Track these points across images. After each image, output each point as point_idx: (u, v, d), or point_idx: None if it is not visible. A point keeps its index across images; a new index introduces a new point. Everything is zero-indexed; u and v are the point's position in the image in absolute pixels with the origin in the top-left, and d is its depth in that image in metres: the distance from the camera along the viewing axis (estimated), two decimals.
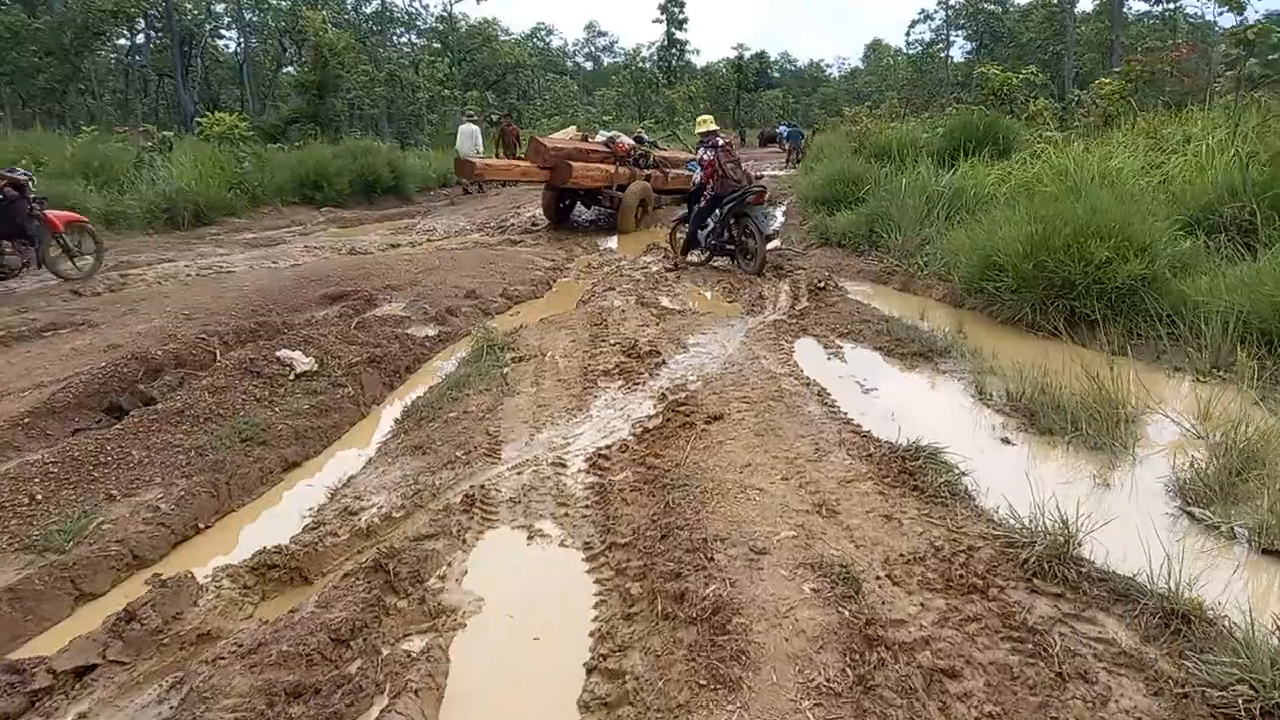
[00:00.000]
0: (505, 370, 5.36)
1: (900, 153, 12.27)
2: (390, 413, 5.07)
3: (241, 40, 52.61)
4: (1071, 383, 4.61)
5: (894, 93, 43.97)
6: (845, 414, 4.45)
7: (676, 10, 57.25)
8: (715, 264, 9.61)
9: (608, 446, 4.11)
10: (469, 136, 18.72)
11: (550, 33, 76.62)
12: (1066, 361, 4.98)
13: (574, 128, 14.39)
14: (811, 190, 12.98)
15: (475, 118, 22.78)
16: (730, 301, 7.87)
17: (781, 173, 27.24)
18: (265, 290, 7.34)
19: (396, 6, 54.57)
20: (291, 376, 5.02)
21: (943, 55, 65.15)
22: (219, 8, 52.11)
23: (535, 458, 4.02)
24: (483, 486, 3.72)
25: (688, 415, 4.38)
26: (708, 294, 8.30)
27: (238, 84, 51.33)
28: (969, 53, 65.99)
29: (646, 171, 14.39)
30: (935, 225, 8.74)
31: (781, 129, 42.67)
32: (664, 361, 5.44)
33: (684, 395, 4.71)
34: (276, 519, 3.73)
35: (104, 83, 46.99)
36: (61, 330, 6.24)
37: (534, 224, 14.24)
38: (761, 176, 20.18)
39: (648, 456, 3.91)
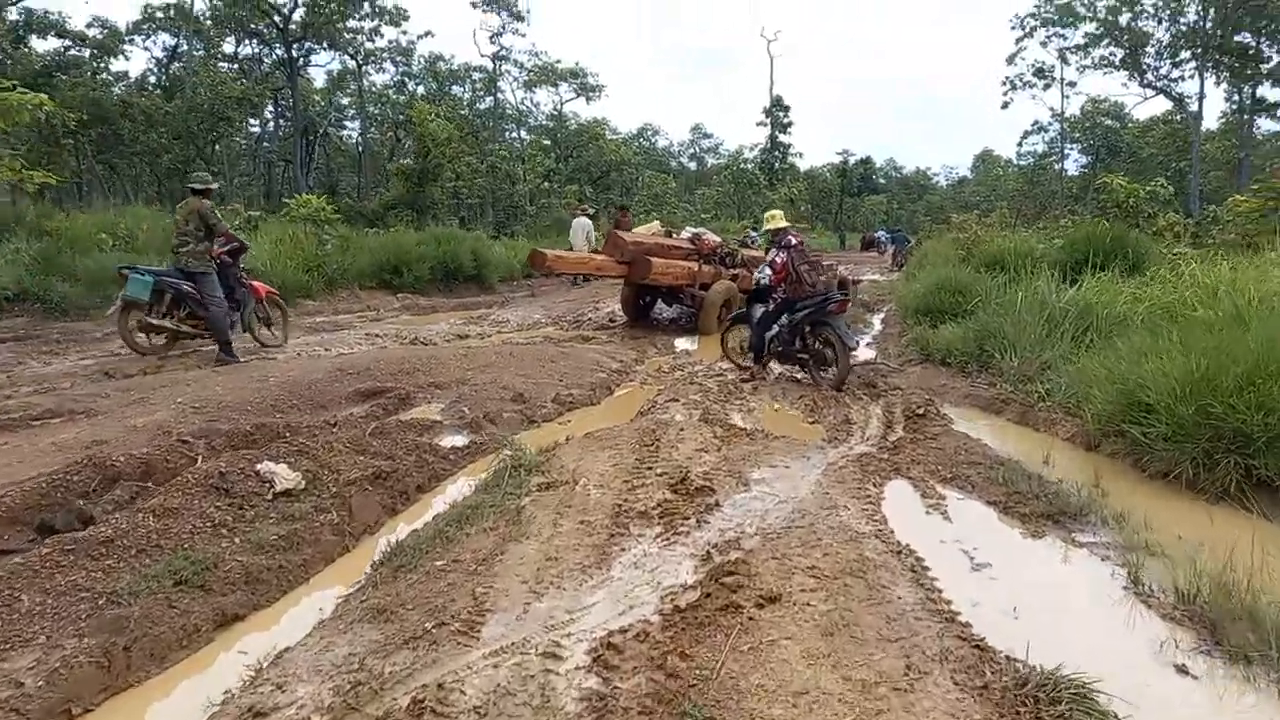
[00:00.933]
0: (525, 502, 4.42)
1: (1015, 263, 11.11)
2: (383, 546, 4.18)
3: (360, 131, 55.37)
4: (1267, 577, 3.37)
5: (1004, 202, 42.71)
6: (949, 604, 3.30)
7: (781, 114, 57.59)
8: (797, 376, 8.57)
9: (622, 631, 3.08)
10: (581, 230, 18.45)
11: (656, 133, 78.32)
12: (1252, 541, 3.74)
13: (657, 223, 13.78)
14: (913, 299, 11.86)
15: (590, 211, 22.66)
16: (811, 423, 6.79)
17: (881, 278, 26.20)
18: (293, 383, 6.67)
19: (509, 104, 56.72)
20: (269, 496, 4.20)
21: (1056, 167, 63.51)
22: (344, 100, 55.07)
23: (524, 640, 3.02)
24: (442, 685, 2.73)
25: (734, 590, 3.31)
26: (786, 412, 7.26)
27: (355, 171, 53.81)
28: (1084, 166, 64.01)
29: (733, 270, 13.58)
30: (1058, 347, 7.52)
31: (880, 234, 42.27)
32: (718, 503, 4.40)
33: (734, 556, 3.66)
34: (171, 710, 2.82)
35: (235, 166, 49.82)
36: (55, 419, 5.64)
37: (611, 320, 13.52)
38: (860, 282, 19.26)
39: (671, 655, 2.87)
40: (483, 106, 55.03)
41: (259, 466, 4.33)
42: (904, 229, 41.90)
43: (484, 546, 3.81)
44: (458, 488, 5.04)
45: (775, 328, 8.46)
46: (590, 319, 13.65)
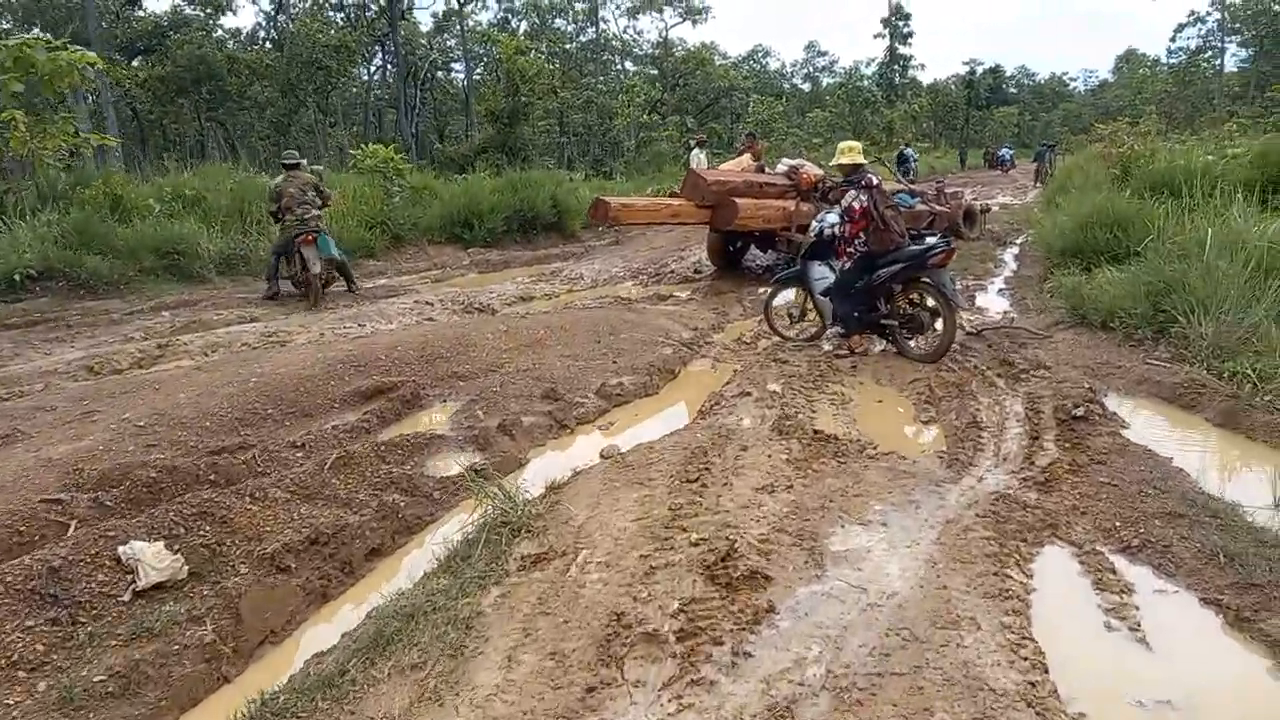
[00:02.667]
0: (487, 600, 3.04)
1: (1190, 185, 8.82)
2: (288, 660, 2.92)
3: (465, 73, 54.44)
4: None
5: (1150, 106, 38.22)
6: None
7: (900, 24, 53.15)
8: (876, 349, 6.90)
9: None
10: (696, 162, 16.79)
11: (767, 55, 74.28)
12: None
13: (748, 156, 11.96)
14: (1058, 235, 9.74)
15: (705, 140, 20.85)
16: (924, 423, 5.15)
17: (1014, 201, 23.39)
18: (280, 383, 5.49)
19: (613, 34, 54.60)
20: (126, 596, 2.99)
21: (1213, 64, 56.81)
22: (451, 42, 54.08)
23: None
24: None
25: None
26: (892, 406, 5.61)
27: (464, 114, 53.11)
28: (1245, 61, 57.12)
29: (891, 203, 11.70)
30: (1272, 307, 5.54)
31: (1003, 151, 38.87)
32: (771, 606, 2.89)
33: None
34: None
35: (350, 115, 49.93)
36: None
37: (697, 271, 11.93)
38: (988, 209, 16.85)
39: None
40: (585, 39, 53.13)
41: (122, 549, 3.11)
42: (1050, 141, 38.08)
43: (376, 713, 2.46)
44: (426, 551, 3.73)
45: (854, 290, 6.79)
46: (673, 271, 12.10)
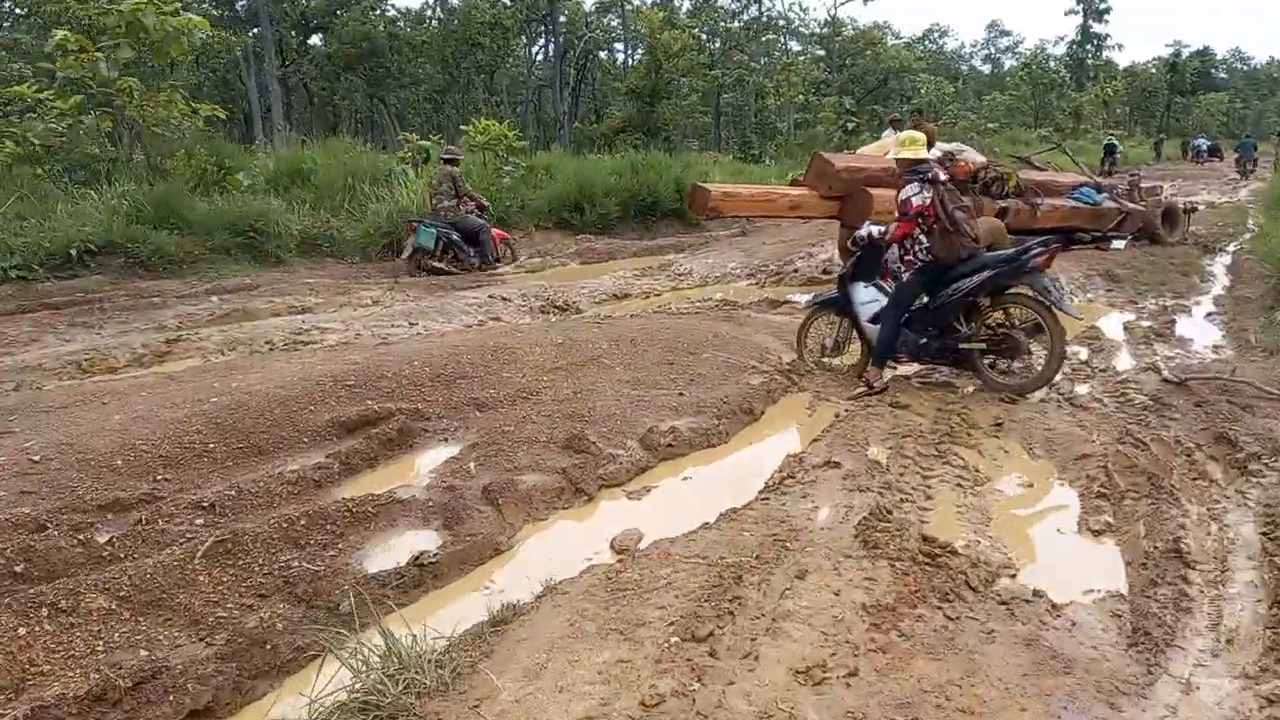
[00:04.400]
0: None
1: None
2: None
3: (625, 51, 53.55)
4: None
5: None
6: None
7: None
8: (953, 381, 5.26)
9: None
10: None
11: (944, 34, 69.69)
12: None
13: (893, 138, 10.10)
14: None
15: (900, 120, 18.80)
16: (1094, 533, 3.44)
17: (1220, 199, 20.02)
18: (245, 407, 4.39)
19: (777, 12, 52.31)
20: None
21: None
22: (615, 22, 53.32)
23: None
24: None
25: None
26: (1045, 500, 3.92)
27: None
28: None
29: (1001, 203, 9.74)
30: None
31: (1200, 142, 35.47)
32: None
33: None
34: None
35: (515, 94, 50.28)
36: None
37: (825, 272, 10.24)
38: (1195, 208, 14.07)
39: None
40: (748, 16, 51.14)
41: None
42: (1253, 134, 34.75)
43: None
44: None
45: (916, 308, 5.46)
46: (798, 270, 10.45)
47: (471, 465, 4.03)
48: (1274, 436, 4.20)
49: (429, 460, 4.22)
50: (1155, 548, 3.17)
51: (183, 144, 11.54)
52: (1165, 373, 5.50)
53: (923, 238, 5.30)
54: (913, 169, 5.36)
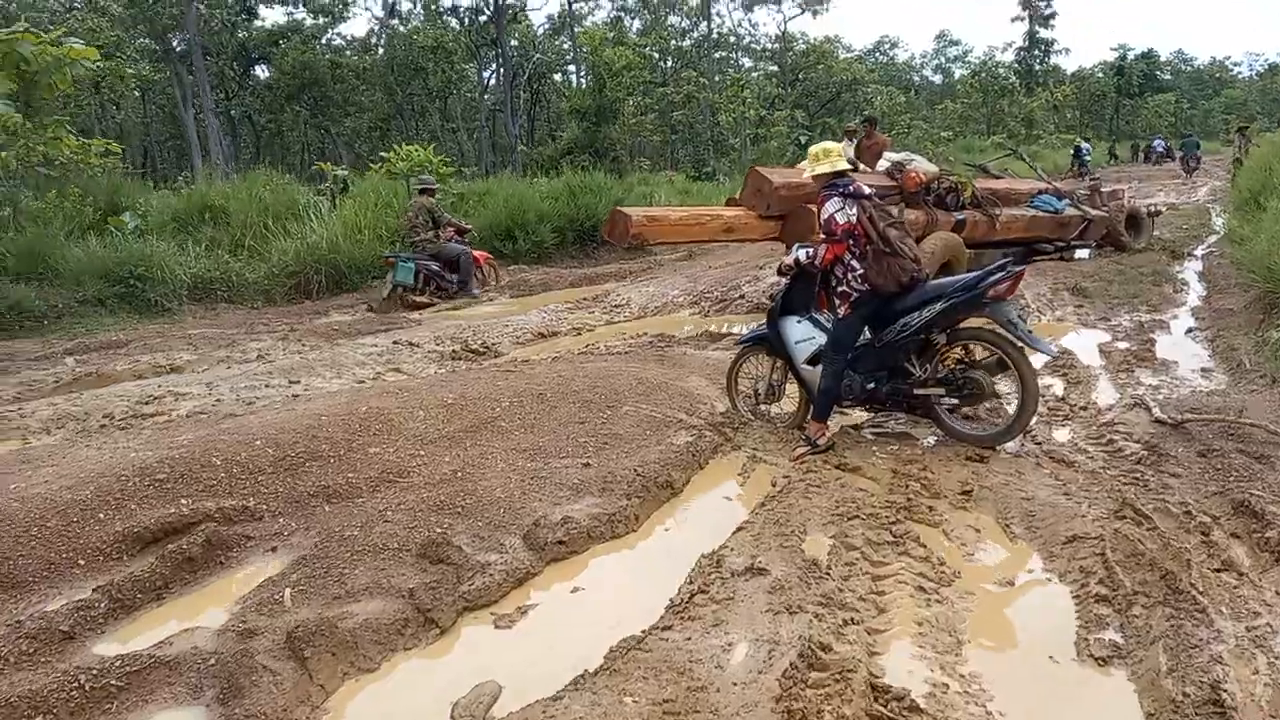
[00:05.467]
0: None
1: None
2: None
3: (577, 73, 52.92)
4: None
5: None
6: None
7: (1042, 4, 48.33)
8: (898, 429, 4.43)
9: None
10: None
11: (894, 45, 69.87)
12: None
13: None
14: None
15: (855, 131, 17.94)
16: (1099, 663, 2.57)
17: (1182, 200, 19.58)
18: (20, 515, 3.41)
19: (727, 28, 52.04)
20: None
21: None
22: (566, 44, 52.70)
23: None
24: None
25: None
26: (1029, 610, 3.06)
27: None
28: None
29: (957, 215, 8.99)
30: None
31: (1157, 143, 35.98)
32: None
33: None
34: None
35: (472, 120, 49.35)
36: None
37: (773, 297, 9.39)
38: (1158, 212, 13.44)
39: None
40: (698, 34, 50.76)
41: None
42: (1195, 133, 35.43)
43: None
44: None
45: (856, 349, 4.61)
46: (744, 296, 9.60)
47: (287, 593, 3.08)
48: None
49: (237, 586, 3.26)
50: (1185, 694, 2.30)
51: (75, 183, 10.51)
52: (1157, 411, 4.69)
53: (854, 263, 4.46)
54: (830, 184, 4.52)
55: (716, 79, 38.48)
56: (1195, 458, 4.03)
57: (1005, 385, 4.81)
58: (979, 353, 4.51)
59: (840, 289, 4.53)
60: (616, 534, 3.74)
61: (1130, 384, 5.63)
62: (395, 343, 7.52)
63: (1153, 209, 12.78)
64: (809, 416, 4.71)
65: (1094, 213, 11.07)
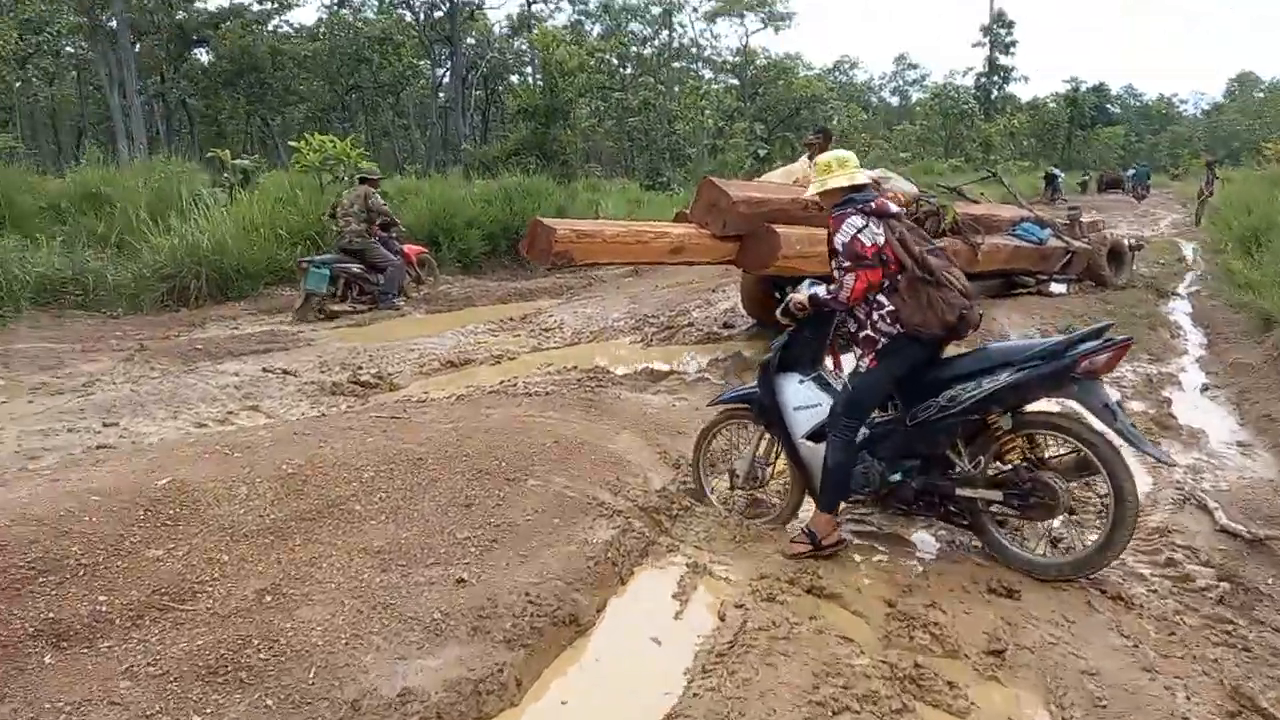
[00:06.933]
0: None
1: None
2: None
3: (533, 74, 51.53)
4: None
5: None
6: None
7: (1003, 32, 48.36)
8: (929, 539, 3.32)
9: None
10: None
11: (854, 66, 69.81)
12: None
13: (803, 162, 8.13)
14: None
15: (814, 143, 16.77)
16: None
17: (1149, 232, 18.88)
18: None
19: (688, 38, 51.17)
20: None
21: None
22: (524, 45, 51.31)
23: None
24: None
25: None
26: None
27: None
28: None
29: (937, 243, 7.88)
30: None
31: (1130, 171, 36.47)
32: None
33: None
34: None
35: (425, 117, 47.82)
36: None
37: (726, 325, 8.25)
38: (1140, 246, 12.61)
39: None
40: (659, 42, 49.82)
41: None
42: (1147, 164, 37.93)
43: None
44: None
45: (874, 419, 3.49)
46: (693, 322, 8.41)
47: None
48: None
49: None
50: None
51: None
52: (1222, 517, 3.57)
53: (882, 298, 3.31)
54: (847, 199, 3.35)
55: (676, 89, 37.55)
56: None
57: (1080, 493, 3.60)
58: (1050, 448, 3.31)
59: (864, 334, 3.33)
60: (482, 712, 2.48)
61: (1162, 462, 4.54)
62: (266, 370, 6.15)
63: (1134, 242, 11.92)
64: (816, 508, 3.47)
65: (1077, 244, 10.12)
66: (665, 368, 6.69)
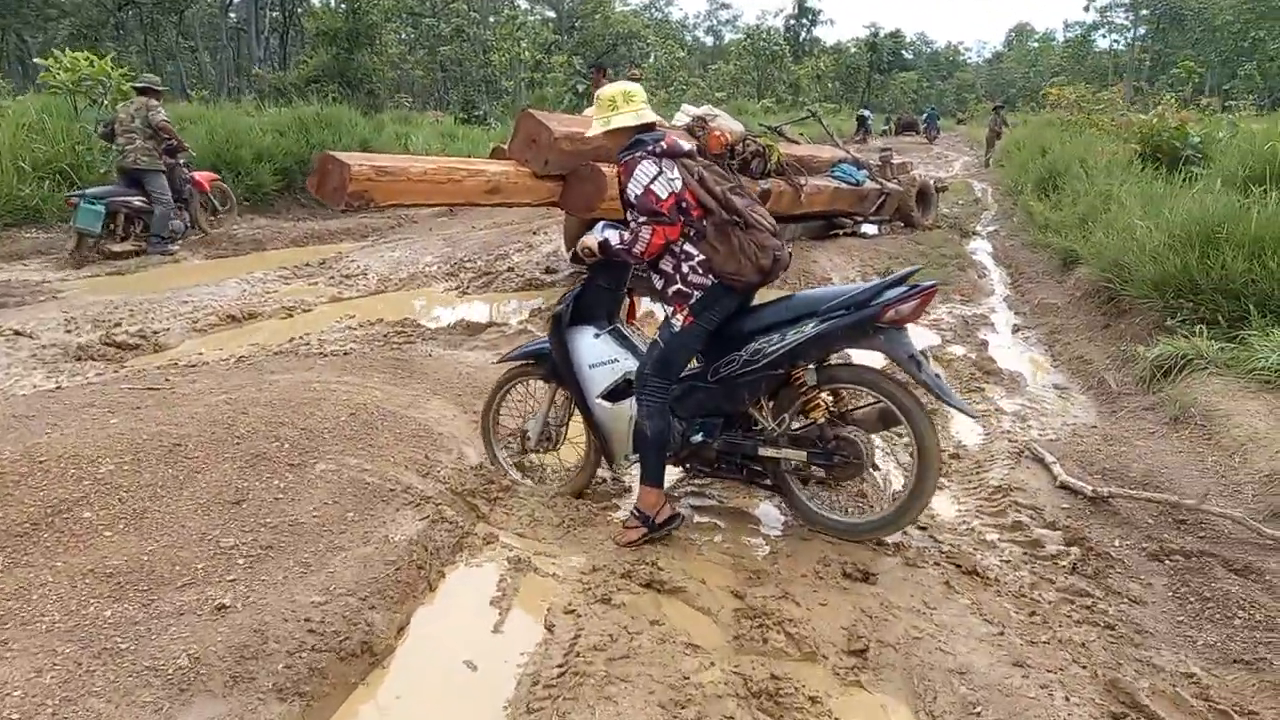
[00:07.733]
0: None
1: None
2: None
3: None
4: None
5: (1055, 80, 37.88)
6: None
7: None
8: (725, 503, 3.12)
9: None
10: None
11: (669, 3, 69.67)
12: None
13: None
14: (1145, 257, 5.85)
15: (636, 75, 15.84)
16: None
17: (944, 174, 19.83)
18: None
19: None
20: None
21: (1109, 41, 57.49)
22: None
23: None
24: None
25: None
26: None
27: None
28: (1141, 38, 57.82)
29: (762, 184, 7.70)
30: None
31: (923, 115, 39.04)
32: None
33: None
34: None
35: (213, 39, 43.62)
36: None
37: (549, 270, 7.72)
38: (945, 188, 13.10)
39: None
40: None
41: None
42: (936, 109, 41.02)
43: None
44: None
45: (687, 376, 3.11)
46: (514, 267, 7.81)
47: None
48: None
49: None
50: None
51: None
52: (1060, 473, 3.48)
53: (690, 247, 2.88)
54: (636, 140, 2.89)
55: (491, 19, 35.82)
56: (1148, 564, 2.82)
57: (884, 447, 3.42)
58: (854, 402, 3.06)
59: (674, 289, 2.90)
60: None
61: (991, 411, 4.51)
62: None
63: (939, 184, 12.35)
64: (641, 482, 3.05)
65: (891, 186, 10.30)
66: (484, 319, 6.11)
